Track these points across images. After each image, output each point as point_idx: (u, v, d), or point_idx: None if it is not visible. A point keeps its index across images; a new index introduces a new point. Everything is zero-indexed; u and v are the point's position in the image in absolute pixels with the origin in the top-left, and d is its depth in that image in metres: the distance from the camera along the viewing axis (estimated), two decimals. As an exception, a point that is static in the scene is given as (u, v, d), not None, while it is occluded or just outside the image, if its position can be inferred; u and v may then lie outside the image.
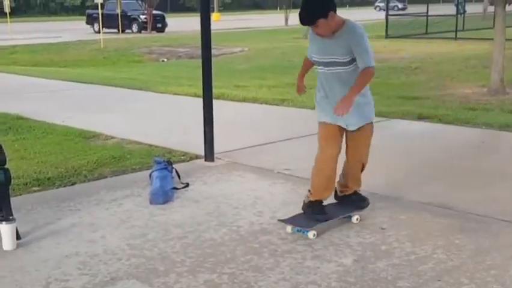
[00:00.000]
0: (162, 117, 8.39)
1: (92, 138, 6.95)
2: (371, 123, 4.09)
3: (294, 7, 37.84)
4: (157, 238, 3.94)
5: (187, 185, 5.07)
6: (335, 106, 3.81)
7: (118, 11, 32.78)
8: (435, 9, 28.31)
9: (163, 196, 4.68)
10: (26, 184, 5.13)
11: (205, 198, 4.77)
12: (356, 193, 4.30)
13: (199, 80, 6.03)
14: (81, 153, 6.18)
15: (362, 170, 4.26)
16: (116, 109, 9.00)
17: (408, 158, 5.96)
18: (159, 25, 33.92)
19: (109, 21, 31.66)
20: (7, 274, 3.43)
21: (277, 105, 9.15)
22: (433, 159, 5.90)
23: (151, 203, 4.62)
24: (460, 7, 26.66)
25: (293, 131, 7.17)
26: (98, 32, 26.55)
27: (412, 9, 42.17)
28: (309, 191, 4.11)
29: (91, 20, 34.58)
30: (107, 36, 26.03)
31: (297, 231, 3.96)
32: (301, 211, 4.16)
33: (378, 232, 4.00)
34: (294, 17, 27.72)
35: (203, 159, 5.91)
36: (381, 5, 55.40)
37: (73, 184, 5.20)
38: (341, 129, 4.05)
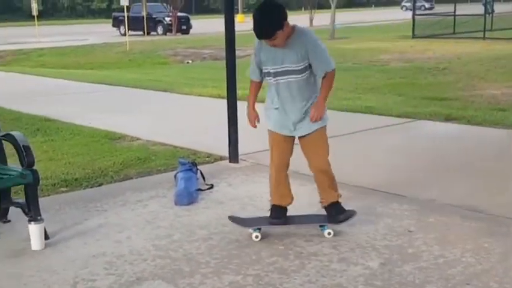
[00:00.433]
0: (187, 119, 8.42)
1: (118, 140, 7.01)
2: (324, 126, 3.94)
3: (319, 7, 37.77)
4: (182, 239, 3.95)
5: (212, 186, 5.08)
6: (310, 115, 3.79)
7: (144, 14, 33.09)
8: (462, 9, 27.94)
9: (187, 197, 4.70)
10: (54, 185, 5.19)
11: (229, 199, 4.77)
12: (332, 205, 4.05)
13: (224, 82, 6.03)
14: (107, 155, 6.23)
15: (331, 179, 4.04)
16: (142, 111, 9.06)
17: (436, 160, 5.88)
18: (184, 27, 34.11)
19: (135, 23, 31.95)
20: (35, 273, 3.47)
21: (302, 106, 9.09)
22: (461, 161, 5.81)
23: (176, 204, 4.64)
24: (488, 7, 26.28)
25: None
26: (124, 34, 26.81)
27: (439, 8, 41.74)
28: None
29: (117, 23, 34.92)
30: (132, 39, 26.26)
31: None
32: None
33: (405, 235, 3.95)
34: (319, 17, 27.64)
35: (227, 161, 5.91)
36: (408, 4, 54.82)
37: (99, 185, 5.25)
38: (290, 139, 3.98)
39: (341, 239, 3.90)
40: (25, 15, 51.07)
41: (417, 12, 27.91)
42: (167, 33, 33.46)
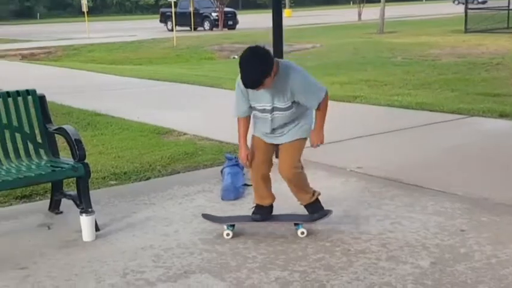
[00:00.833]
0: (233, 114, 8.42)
1: (166, 135, 7.08)
2: (303, 138, 3.93)
3: (368, 1, 37.26)
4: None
5: (259, 181, 5.06)
6: (311, 141, 3.89)
7: (191, 9, 33.39)
8: (517, 3, 27.04)
9: (234, 192, 4.71)
10: (104, 178, 5.29)
11: (276, 195, 4.74)
12: (308, 205, 4.06)
13: (271, 77, 6.00)
14: (155, 149, 6.31)
15: (298, 185, 4.01)
16: (188, 106, 9.14)
17: (489, 158, 5.71)
18: (230, 22, 34.24)
19: (182, 19, 32.30)
20: (86, 264, 3.54)
21: (349, 102, 9.01)
22: (515, 159, 5.63)
23: (222, 199, 4.66)
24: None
25: (365, 128, 7.04)
26: (171, 30, 27.12)
27: (493, 2, 40.53)
28: None
29: (164, 18, 35.36)
30: (179, 34, 26.54)
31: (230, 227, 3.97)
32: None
33: (457, 234, 3.85)
34: (367, 11, 27.28)
35: (274, 157, 5.88)
36: (460, -2, 53.58)
37: (147, 179, 5.32)
38: (271, 146, 3.98)
39: (389, 237, 3.83)
40: (76, 12, 52.33)
41: (470, 6, 27.20)
42: (214, 29, 33.66)
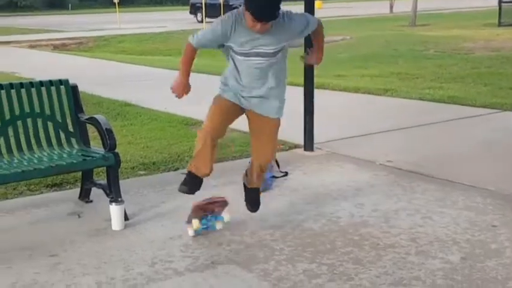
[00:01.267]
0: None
1: (194, 126, 7.10)
2: (279, 119, 3.70)
3: (399, -6, 36.68)
4: (257, 226, 3.96)
5: (286, 174, 5.06)
6: (314, 57, 3.80)
7: (221, 1, 33.38)
8: (553, -5, 26.37)
9: (262, 184, 4.69)
10: (133, 168, 5.33)
11: (304, 187, 4.74)
12: (256, 189, 3.91)
13: (298, 69, 5.97)
14: (183, 140, 6.34)
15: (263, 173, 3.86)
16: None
17: (522, 153, 5.60)
18: (260, 14, 34.08)
19: (212, 10, 32.25)
20: (115, 253, 3.58)
21: (379, 95, 8.92)
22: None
23: (251, 190, 4.65)
24: None
25: (396, 122, 6.96)
26: (201, 21, 27.17)
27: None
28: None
29: (194, 10, 35.39)
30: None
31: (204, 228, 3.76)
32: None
33: (488, 230, 3.78)
34: (399, 4, 26.82)
35: (302, 149, 5.87)
36: (493, -9, 52.32)
37: (176, 169, 5.34)
38: (236, 111, 3.68)
39: (419, 231, 3.78)
40: (107, 2, 52.69)
41: (504, -1, 26.64)
42: (243, 21, 33.57)
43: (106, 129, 4.16)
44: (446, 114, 7.37)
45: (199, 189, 3.74)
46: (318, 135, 5.89)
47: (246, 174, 3.93)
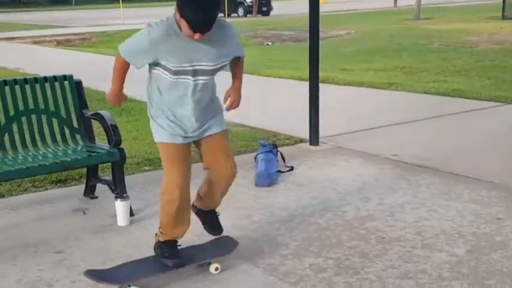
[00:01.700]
0: (267, 101, 8.42)
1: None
2: (227, 130, 3.28)
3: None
4: (262, 220, 3.96)
5: (292, 168, 5.05)
6: (230, 101, 3.17)
7: (225, -5, 33.31)
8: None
9: (268, 179, 4.70)
10: (138, 164, 5.34)
11: (309, 182, 4.73)
12: (212, 212, 3.45)
13: (304, 63, 5.97)
14: (189, 135, 6.32)
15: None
16: (221, 92, 9.11)
17: (527, 146, 5.58)
18: (264, 8, 34.10)
19: (215, 5, 32.19)
20: (121, 249, 3.58)
21: (384, 89, 8.90)
22: (556, 147, 5.48)
23: (256, 185, 4.65)
24: None
25: (400, 115, 6.95)
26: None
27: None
28: (160, 228, 3.21)
29: (198, 5, 35.30)
30: (213, 21, 26.50)
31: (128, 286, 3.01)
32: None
33: (493, 222, 3.77)
34: (403, -3, 26.18)
35: (308, 143, 5.86)
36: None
37: (181, 164, 5.33)
38: (188, 148, 3.18)
39: (425, 225, 3.77)
40: (111, -1, 52.73)
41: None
42: (248, 15, 33.57)
43: (111, 125, 4.16)
44: (450, 107, 7.35)
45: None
46: (324, 129, 5.88)
47: (200, 198, 3.41)
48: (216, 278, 3.18)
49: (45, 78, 4.39)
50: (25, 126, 4.25)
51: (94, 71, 11.85)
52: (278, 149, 5.30)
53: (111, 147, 4.13)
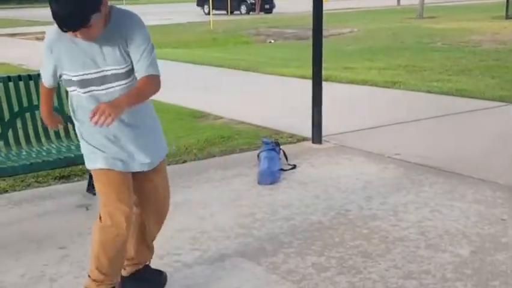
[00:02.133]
0: (269, 98, 8.40)
1: (202, 118, 7.10)
2: (165, 158, 2.89)
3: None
4: (265, 218, 3.95)
5: (294, 166, 5.04)
6: (93, 112, 2.31)
7: (229, -8, 33.26)
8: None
9: (271, 177, 4.69)
10: (141, 160, 5.32)
11: (312, 180, 4.72)
12: (148, 267, 3.06)
13: (307, 62, 5.96)
14: (191, 132, 6.33)
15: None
16: (225, 89, 9.13)
17: (531, 146, 5.56)
18: (267, 6, 34.02)
19: (219, 3, 32.21)
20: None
21: (387, 87, 8.87)
22: (559, 148, 5.46)
23: (258, 183, 4.64)
24: None
25: (404, 114, 6.93)
26: (208, 13, 27.11)
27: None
28: (89, 275, 2.75)
29: (201, 2, 35.31)
30: (216, 18, 26.53)
31: None
32: None
33: (498, 223, 3.76)
34: (407, -4, 26.11)
35: (310, 142, 5.85)
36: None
37: (184, 162, 5.34)
38: (129, 173, 2.71)
39: (428, 225, 3.76)
40: (114, -4, 52.67)
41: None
42: (251, 13, 33.52)
43: (114, 121, 4.14)
44: (454, 107, 7.33)
45: None
46: (326, 128, 5.87)
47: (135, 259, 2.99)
48: (218, 276, 3.18)
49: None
50: (29, 122, 4.25)
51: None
52: (281, 147, 5.29)
53: (114, 144, 4.11)
